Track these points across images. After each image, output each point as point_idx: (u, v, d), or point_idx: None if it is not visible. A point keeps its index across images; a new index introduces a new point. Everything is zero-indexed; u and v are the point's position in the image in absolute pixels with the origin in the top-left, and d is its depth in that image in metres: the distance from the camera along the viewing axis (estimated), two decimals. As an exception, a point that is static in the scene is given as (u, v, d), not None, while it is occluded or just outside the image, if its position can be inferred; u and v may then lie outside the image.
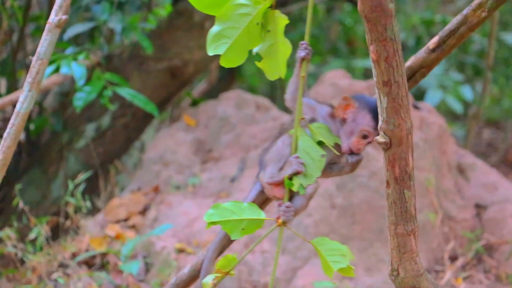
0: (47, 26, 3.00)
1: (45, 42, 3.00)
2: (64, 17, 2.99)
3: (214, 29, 2.60)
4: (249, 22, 2.62)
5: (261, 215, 2.59)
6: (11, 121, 3.02)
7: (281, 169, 2.78)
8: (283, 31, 2.71)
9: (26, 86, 3.02)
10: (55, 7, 3.00)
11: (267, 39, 2.68)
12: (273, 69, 2.72)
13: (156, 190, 5.62)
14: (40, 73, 3.00)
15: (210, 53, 2.62)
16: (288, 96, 2.86)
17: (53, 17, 2.99)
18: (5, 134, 3.04)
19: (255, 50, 2.71)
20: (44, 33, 3.01)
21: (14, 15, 5.89)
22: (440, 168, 5.40)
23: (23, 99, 3.01)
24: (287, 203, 2.71)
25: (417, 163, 5.17)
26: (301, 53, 2.77)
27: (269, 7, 2.65)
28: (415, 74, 2.71)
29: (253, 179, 3.05)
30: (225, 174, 5.54)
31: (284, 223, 2.68)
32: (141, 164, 6.02)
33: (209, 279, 2.56)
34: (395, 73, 2.09)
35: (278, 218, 2.70)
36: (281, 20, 2.67)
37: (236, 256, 2.60)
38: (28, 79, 3.01)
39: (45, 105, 6.19)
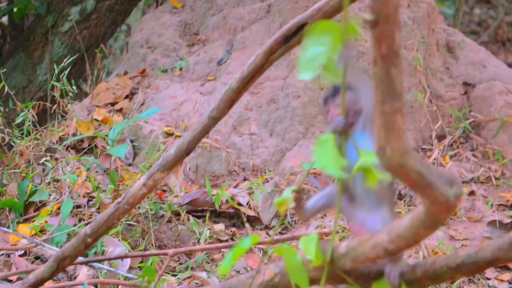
0: None
1: None
2: None
3: None
4: None
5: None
6: None
7: None
8: None
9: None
10: None
11: None
12: None
13: (143, 73, 5.57)
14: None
15: None
16: None
17: None
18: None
19: None
20: None
21: None
22: (429, 47, 5.35)
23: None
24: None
25: (405, 42, 5.14)
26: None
27: None
28: None
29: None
30: (212, 57, 5.48)
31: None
32: (127, 47, 5.95)
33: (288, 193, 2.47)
34: None
35: None
36: None
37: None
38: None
39: (28, -13, 6.08)
